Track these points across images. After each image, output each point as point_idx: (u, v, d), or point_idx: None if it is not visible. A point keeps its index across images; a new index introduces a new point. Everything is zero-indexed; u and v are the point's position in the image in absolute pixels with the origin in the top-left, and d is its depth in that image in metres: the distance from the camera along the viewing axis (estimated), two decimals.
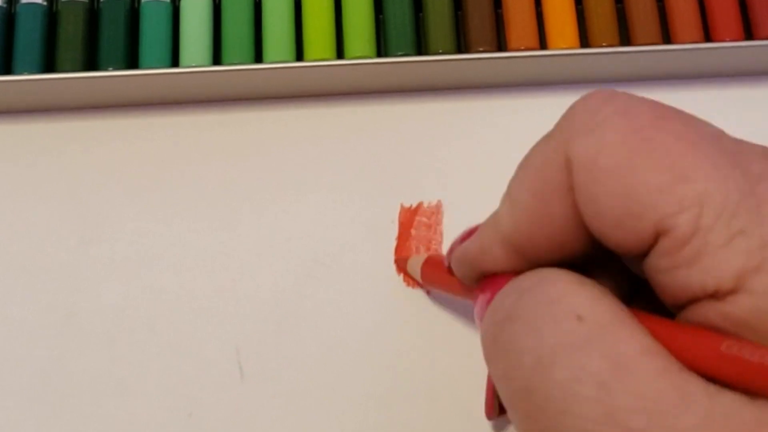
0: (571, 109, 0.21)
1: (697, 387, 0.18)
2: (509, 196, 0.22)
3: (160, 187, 0.34)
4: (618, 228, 0.19)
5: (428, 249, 0.33)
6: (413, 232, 0.33)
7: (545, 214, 0.21)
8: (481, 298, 0.23)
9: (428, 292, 0.32)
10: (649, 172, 0.19)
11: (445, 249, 0.33)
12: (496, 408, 0.29)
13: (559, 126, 0.21)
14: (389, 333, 0.32)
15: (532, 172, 0.21)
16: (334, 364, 0.32)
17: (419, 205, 0.34)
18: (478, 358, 0.32)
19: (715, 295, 0.18)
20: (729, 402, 0.18)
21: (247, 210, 0.34)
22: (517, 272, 0.22)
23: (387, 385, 0.31)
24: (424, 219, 0.34)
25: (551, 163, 0.21)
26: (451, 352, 0.32)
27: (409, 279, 0.33)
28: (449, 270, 0.26)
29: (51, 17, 0.35)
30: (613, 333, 0.18)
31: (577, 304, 0.19)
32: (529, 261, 0.22)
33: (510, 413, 0.20)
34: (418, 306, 0.32)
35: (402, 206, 0.34)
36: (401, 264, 0.33)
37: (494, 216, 0.23)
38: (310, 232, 0.34)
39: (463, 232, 0.25)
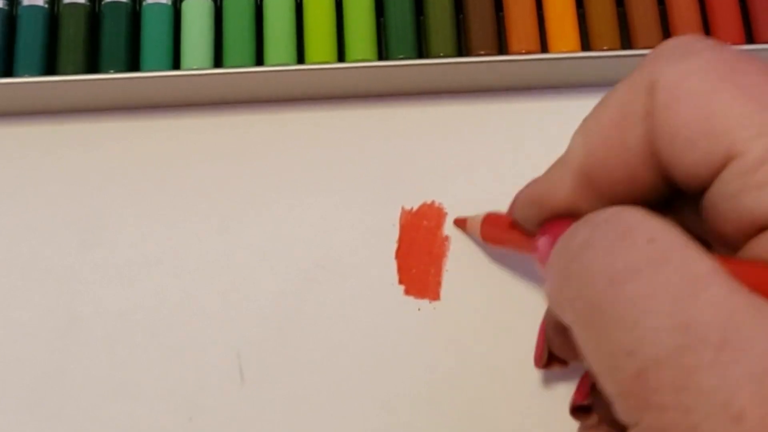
0: (662, 44, 0.22)
1: None
2: (583, 127, 0.23)
3: (161, 190, 0.34)
4: (690, 148, 0.20)
5: (429, 253, 0.33)
6: (414, 235, 0.33)
7: (620, 139, 0.22)
8: (543, 241, 0.24)
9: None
10: (733, 98, 0.20)
11: (446, 252, 0.33)
12: (544, 358, 0.30)
13: (646, 59, 0.22)
14: (390, 336, 0.32)
15: (612, 101, 0.22)
16: (335, 367, 0.32)
17: (420, 207, 0.34)
18: (479, 361, 0.32)
19: None
20: None
21: (248, 213, 0.34)
22: (580, 215, 0.22)
23: (388, 389, 0.31)
24: (426, 222, 0.34)
25: (634, 88, 0.21)
26: (453, 355, 0.32)
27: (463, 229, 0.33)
28: (511, 224, 0.27)
29: (52, 19, 0.35)
30: (684, 253, 0.19)
31: (650, 229, 0.19)
32: (598, 194, 0.23)
33: (579, 335, 0.20)
34: (420, 309, 0.33)
35: (403, 209, 0.34)
36: (460, 224, 0.33)
37: (564, 154, 0.23)
38: (312, 235, 0.34)
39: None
